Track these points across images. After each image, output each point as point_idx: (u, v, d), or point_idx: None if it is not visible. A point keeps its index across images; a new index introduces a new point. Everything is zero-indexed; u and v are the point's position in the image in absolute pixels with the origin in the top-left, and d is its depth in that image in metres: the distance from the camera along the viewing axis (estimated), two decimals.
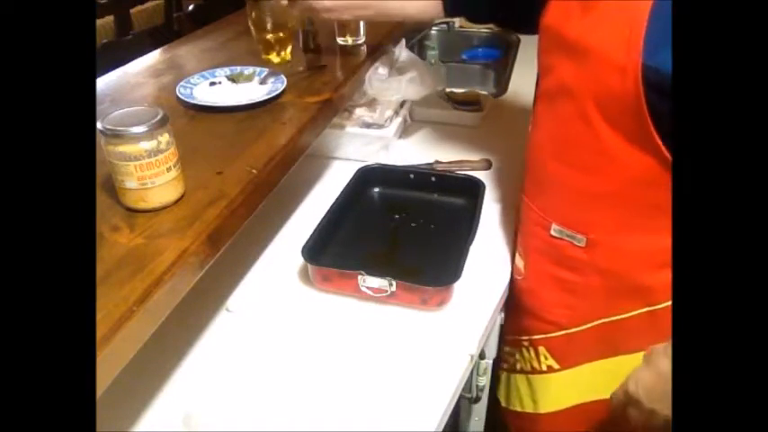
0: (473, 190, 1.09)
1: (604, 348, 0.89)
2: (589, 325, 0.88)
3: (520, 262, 0.97)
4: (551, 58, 0.78)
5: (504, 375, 1.08)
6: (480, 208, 1.04)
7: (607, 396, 0.91)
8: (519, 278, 0.97)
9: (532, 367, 0.99)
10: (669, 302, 0.81)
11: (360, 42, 1.25)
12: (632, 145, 0.70)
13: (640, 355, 0.87)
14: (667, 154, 0.67)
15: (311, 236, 0.94)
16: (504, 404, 1.09)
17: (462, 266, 0.89)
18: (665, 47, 0.60)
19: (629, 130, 0.69)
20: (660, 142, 0.67)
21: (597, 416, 0.95)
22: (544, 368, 0.97)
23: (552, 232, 0.85)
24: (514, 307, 0.99)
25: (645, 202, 0.74)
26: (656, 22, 0.62)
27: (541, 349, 0.96)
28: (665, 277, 0.66)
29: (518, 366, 1.02)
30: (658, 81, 0.62)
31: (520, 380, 1.03)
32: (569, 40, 0.72)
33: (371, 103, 1.29)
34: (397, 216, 1.10)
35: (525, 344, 0.98)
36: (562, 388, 0.97)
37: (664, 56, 0.60)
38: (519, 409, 1.05)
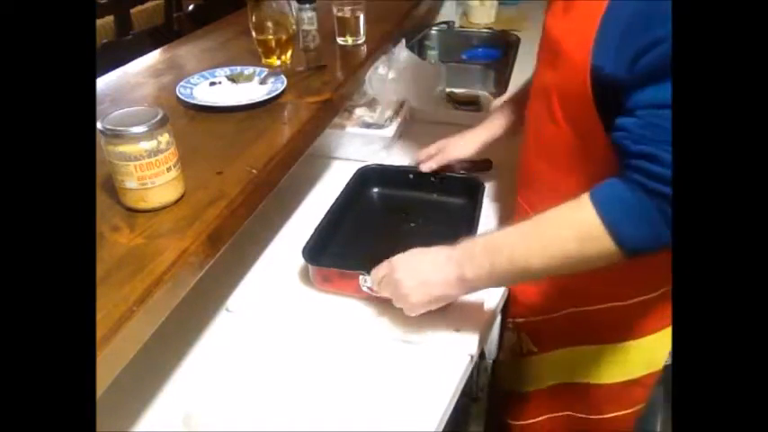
0: (473, 190, 1.09)
1: (576, 336, 0.92)
2: (561, 312, 0.91)
3: None
4: (541, 57, 0.81)
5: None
6: (480, 208, 1.04)
7: (585, 380, 0.96)
8: None
9: (514, 350, 1.01)
10: (638, 299, 0.84)
11: (360, 42, 1.25)
12: (588, 144, 0.72)
13: (613, 346, 0.91)
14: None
15: (311, 236, 0.94)
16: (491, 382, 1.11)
17: None
18: (609, 49, 0.64)
19: (585, 130, 0.71)
20: (608, 140, 0.68)
21: (574, 398, 0.98)
22: (525, 351, 0.99)
23: None
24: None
25: None
26: (606, 25, 0.64)
27: (522, 334, 0.99)
28: (633, 275, 0.72)
29: (505, 346, 1.04)
30: (602, 80, 0.65)
31: (506, 359, 1.06)
32: (551, 37, 0.75)
33: (371, 103, 1.29)
34: (396, 216, 1.10)
35: (510, 326, 1.01)
36: (542, 369, 1.00)
37: (607, 57, 0.64)
38: (506, 386, 1.08)
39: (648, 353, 0.90)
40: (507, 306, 1.00)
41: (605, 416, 0.97)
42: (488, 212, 1.09)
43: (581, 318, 0.89)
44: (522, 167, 0.93)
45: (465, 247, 0.74)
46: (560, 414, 1.01)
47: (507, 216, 1.08)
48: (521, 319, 0.98)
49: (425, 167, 1.10)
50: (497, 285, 0.86)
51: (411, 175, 1.15)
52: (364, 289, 0.87)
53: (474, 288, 0.76)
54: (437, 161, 1.10)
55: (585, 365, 0.94)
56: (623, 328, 0.88)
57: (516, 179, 0.96)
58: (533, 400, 1.03)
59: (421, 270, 0.76)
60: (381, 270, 0.81)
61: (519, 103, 1.04)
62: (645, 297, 0.84)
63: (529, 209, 0.89)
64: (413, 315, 0.80)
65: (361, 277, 0.86)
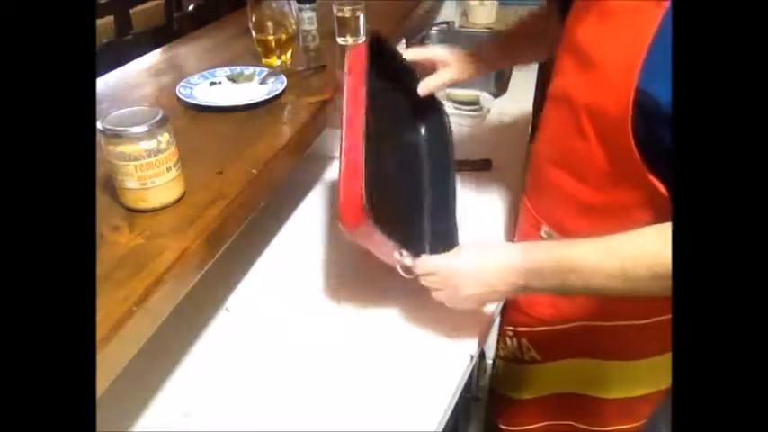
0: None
1: (586, 349, 0.90)
2: (572, 324, 0.89)
3: None
4: (563, 59, 0.77)
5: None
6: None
7: (591, 393, 0.94)
8: None
9: (515, 356, 1.00)
10: (655, 318, 0.81)
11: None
12: (617, 165, 0.69)
13: (623, 362, 0.88)
14: (652, 179, 0.65)
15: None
16: (488, 385, 1.10)
17: None
18: (662, 75, 0.57)
19: (615, 150, 0.68)
20: (644, 167, 0.65)
21: (578, 409, 0.96)
22: (527, 359, 0.98)
23: (542, 234, 0.86)
24: None
25: (629, 221, 0.72)
26: (658, 49, 0.59)
27: (524, 341, 0.97)
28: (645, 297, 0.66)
29: (501, 353, 1.03)
30: (649, 108, 0.61)
31: (504, 365, 1.04)
32: (580, 45, 0.71)
33: None
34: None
35: (509, 333, 0.99)
36: (544, 378, 0.98)
37: (659, 84, 0.58)
38: (502, 391, 1.06)
39: (660, 371, 0.88)
40: (505, 312, 0.99)
41: (608, 428, 0.96)
42: (490, 212, 1.09)
43: (593, 332, 0.87)
44: (535, 174, 0.89)
45: (533, 260, 0.69)
46: (561, 423, 1.00)
47: (508, 216, 1.08)
48: (523, 328, 0.96)
49: (422, 89, 0.97)
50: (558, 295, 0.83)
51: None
52: (398, 262, 0.78)
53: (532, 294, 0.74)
54: (434, 84, 0.97)
55: (592, 378, 0.92)
56: (636, 346, 0.86)
57: (524, 183, 0.94)
58: (532, 407, 1.01)
59: (487, 282, 0.73)
60: (435, 267, 0.76)
61: (508, 47, 1.01)
62: (662, 318, 0.80)
63: (538, 216, 0.87)
64: (449, 304, 0.77)
65: (397, 253, 0.78)
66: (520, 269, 0.70)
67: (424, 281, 0.78)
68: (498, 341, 1.03)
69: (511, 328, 0.98)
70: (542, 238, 0.85)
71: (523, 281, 0.70)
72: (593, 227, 0.73)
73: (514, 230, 1.00)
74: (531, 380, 1.00)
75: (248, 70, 1.05)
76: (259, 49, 1.12)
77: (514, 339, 0.98)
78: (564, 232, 0.82)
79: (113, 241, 0.64)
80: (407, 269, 0.78)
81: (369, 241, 0.78)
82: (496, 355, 1.06)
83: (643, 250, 0.62)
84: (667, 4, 0.57)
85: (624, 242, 0.63)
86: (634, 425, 0.96)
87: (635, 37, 0.61)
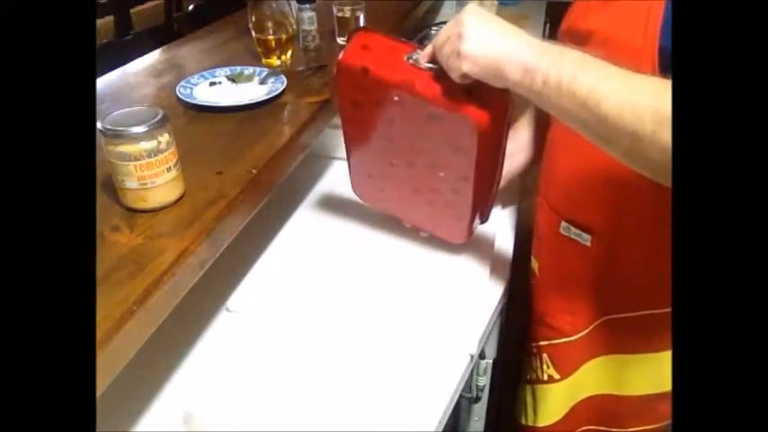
0: None
1: (603, 347, 0.90)
2: (589, 328, 0.88)
3: (534, 264, 0.97)
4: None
5: (516, 385, 1.08)
6: None
7: (610, 391, 0.92)
8: (533, 282, 0.98)
9: (537, 377, 0.99)
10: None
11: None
12: None
13: (643, 356, 0.87)
14: None
15: None
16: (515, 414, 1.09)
17: None
18: None
19: None
20: None
21: (597, 410, 0.95)
22: (545, 378, 0.97)
23: (561, 230, 0.85)
24: (529, 312, 0.99)
25: (646, 202, 0.72)
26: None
27: (545, 357, 0.96)
28: (667, 284, 0.65)
29: (526, 376, 1.02)
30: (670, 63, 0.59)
31: (527, 390, 1.03)
32: (588, 32, 0.71)
33: None
34: None
35: (534, 351, 0.98)
36: (560, 399, 0.97)
37: None
38: (522, 422, 1.05)
39: None
40: (528, 329, 0.98)
41: (628, 429, 0.95)
42: (493, 214, 1.09)
43: (613, 326, 0.86)
44: (548, 166, 0.89)
45: (557, 45, 0.61)
46: (579, 430, 0.98)
47: (509, 217, 1.08)
48: (544, 342, 0.95)
49: None
50: (549, 102, 0.63)
51: None
52: (409, 60, 0.74)
53: (525, 87, 0.62)
54: None
55: (612, 376, 0.91)
56: (656, 338, 0.85)
57: (539, 180, 0.93)
58: (551, 427, 1.00)
59: (499, 25, 0.63)
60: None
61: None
62: None
63: (551, 209, 0.87)
64: (453, 71, 0.67)
65: (407, 54, 0.74)
66: (539, 41, 0.62)
67: (440, 40, 0.68)
68: (524, 363, 1.02)
69: (534, 344, 0.98)
70: (561, 234, 0.85)
71: (539, 52, 0.60)
72: (610, 209, 0.73)
73: (517, 228, 1.00)
74: (548, 402, 0.98)
75: (248, 70, 1.05)
76: (259, 49, 1.12)
77: (537, 356, 0.97)
78: (582, 223, 0.82)
79: (113, 241, 0.64)
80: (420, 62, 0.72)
81: (375, 55, 0.76)
82: (519, 380, 1.05)
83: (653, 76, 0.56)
84: None
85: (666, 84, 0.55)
86: (655, 426, 0.94)
87: (649, 3, 0.62)
